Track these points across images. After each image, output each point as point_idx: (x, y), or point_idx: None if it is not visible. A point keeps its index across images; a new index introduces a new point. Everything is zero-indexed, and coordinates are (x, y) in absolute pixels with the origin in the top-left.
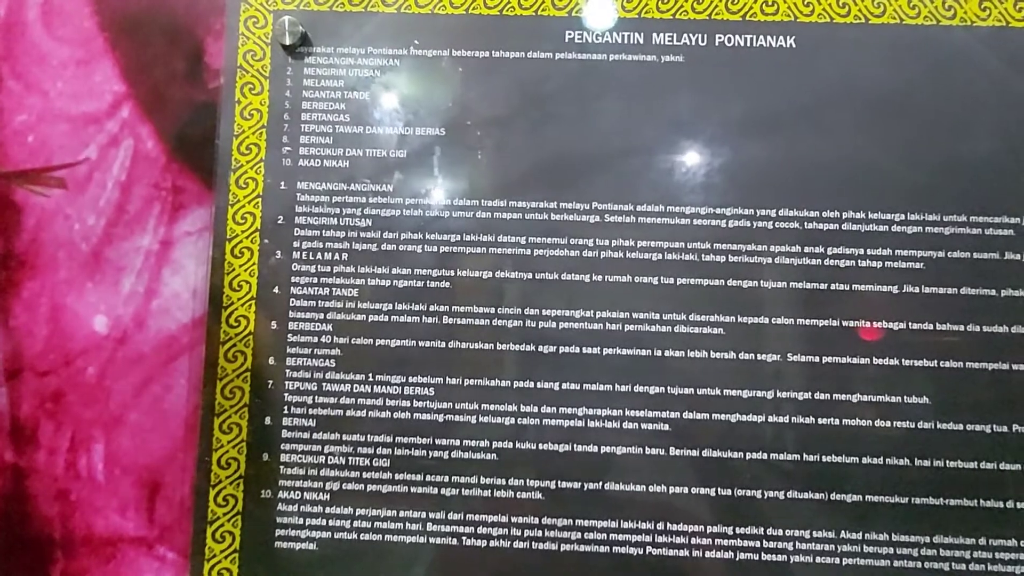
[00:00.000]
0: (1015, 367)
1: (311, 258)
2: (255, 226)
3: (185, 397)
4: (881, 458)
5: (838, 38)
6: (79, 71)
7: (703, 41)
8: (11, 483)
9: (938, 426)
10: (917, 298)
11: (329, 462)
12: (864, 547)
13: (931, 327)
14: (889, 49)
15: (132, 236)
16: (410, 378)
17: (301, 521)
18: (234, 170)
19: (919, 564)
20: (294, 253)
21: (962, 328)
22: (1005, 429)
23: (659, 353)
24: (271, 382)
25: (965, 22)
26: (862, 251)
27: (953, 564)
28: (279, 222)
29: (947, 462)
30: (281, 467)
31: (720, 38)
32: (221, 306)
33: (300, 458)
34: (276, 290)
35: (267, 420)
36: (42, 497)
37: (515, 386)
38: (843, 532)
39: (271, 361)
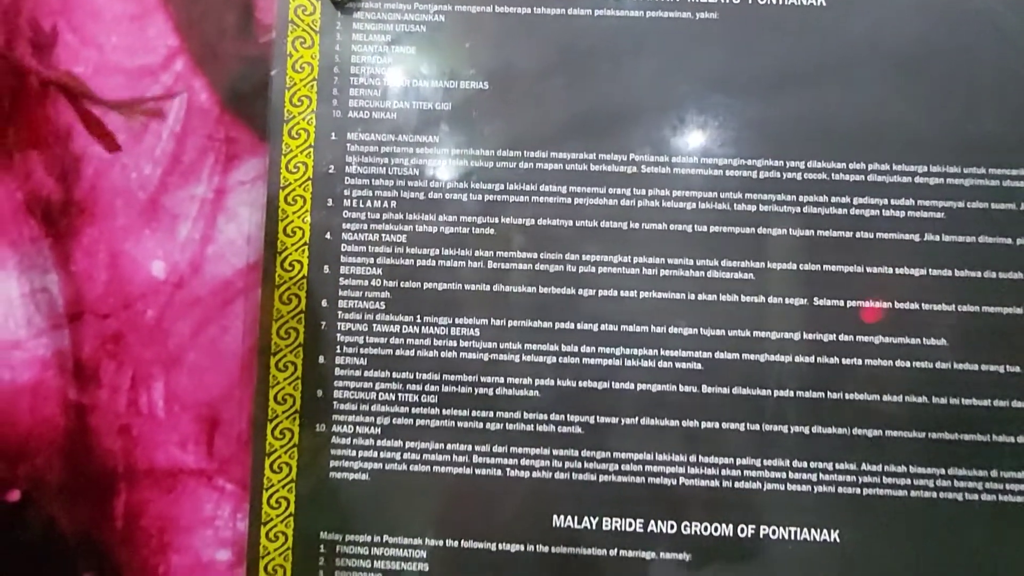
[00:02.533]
0: None
1: (361, 205)
2: (307, 175)
3: (240, 338)
4: (900, 396)
5: None
6: (133, 25)
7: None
8: (75, 419)
9: (955, 366)
10: (937, 246)
11: (380, 398)
12: (883, 479)
13: (950, 273)
14: (914, 8)
15: (187, 185)
16: (456, 319)
17: (354, 453)
18: (286, 121)
19: (934, 495)
20: (344, 201)
21: (979, 275)
22: (1017, 369)
23: (692, 296)
24: (324, 323)
25: None
26: (886, 201)
27: (966, 495)
28: (330, 171)
29: (962, 400)
30: (334, 403)
31: None
32: (276, 251)
33: (352, 394)
34: (328, 236)
35: (321, 359)
36: (105, 432)
37: (556, 327)
38: (863, 464)
39: (324, 303)
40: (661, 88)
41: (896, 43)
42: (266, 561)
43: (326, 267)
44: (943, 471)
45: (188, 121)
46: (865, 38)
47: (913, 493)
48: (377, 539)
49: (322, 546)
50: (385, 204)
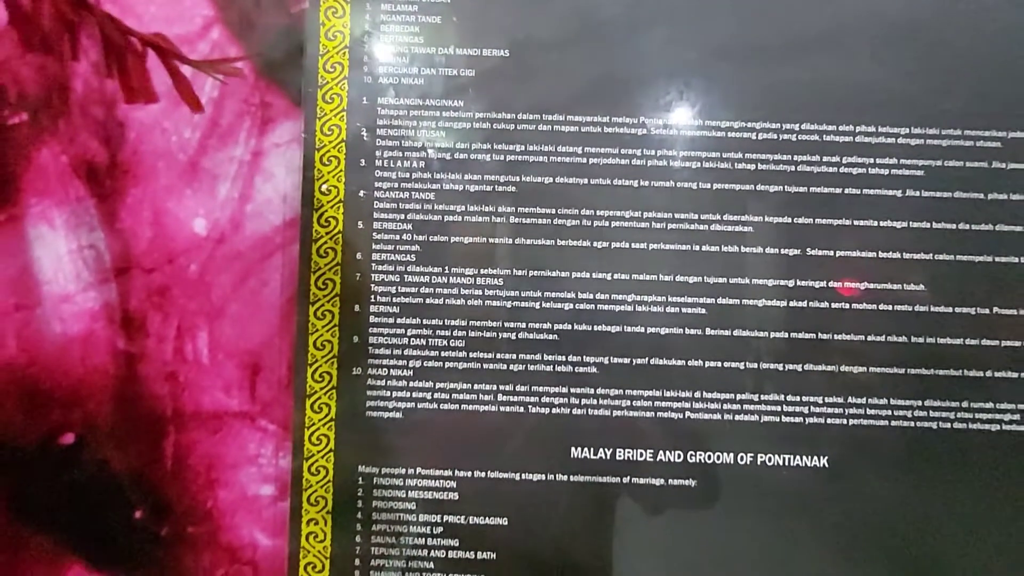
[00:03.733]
0: (997, 259)
1: (392, 166)
2: (341, 137)
3: (279, 290)
4: (883, 336)
5: None
6: None
7: None
8: (124, 367)
9: (931, 309)
10: (917, 200)
11: (411, 343)
12: (867, 410)
13: (928, 225)
14: None
15: (225, 147)
16: (481, 270)
17: (388, 394)
18: (320, 86)
19: (912, 424)
20: (376, 161)
21: (954, 226)
22: (987, 311)
23: (697, 248)
24: (359, 274)
25: None
26: (872, 160)
27: (940, 424)
28: (362, 133)
29: (937, 339)
30: (369, 348)
31: None
32: (313, 208)
33: (386, 340)
34: (361, 194)
35: (356, 308)
36: (153, 379)
37: (573, 276)
38: (850, 398)
39: (358, 256)
40: (669, 56)
41: (883, 17)
42: (309, 493)
43: (360, 223)
44: (920, 403)
45: (224, 87)
46: (854, 11)
47: (893, 423)
48: (411, 471)
49: (360, 478)
50: (414, 164)
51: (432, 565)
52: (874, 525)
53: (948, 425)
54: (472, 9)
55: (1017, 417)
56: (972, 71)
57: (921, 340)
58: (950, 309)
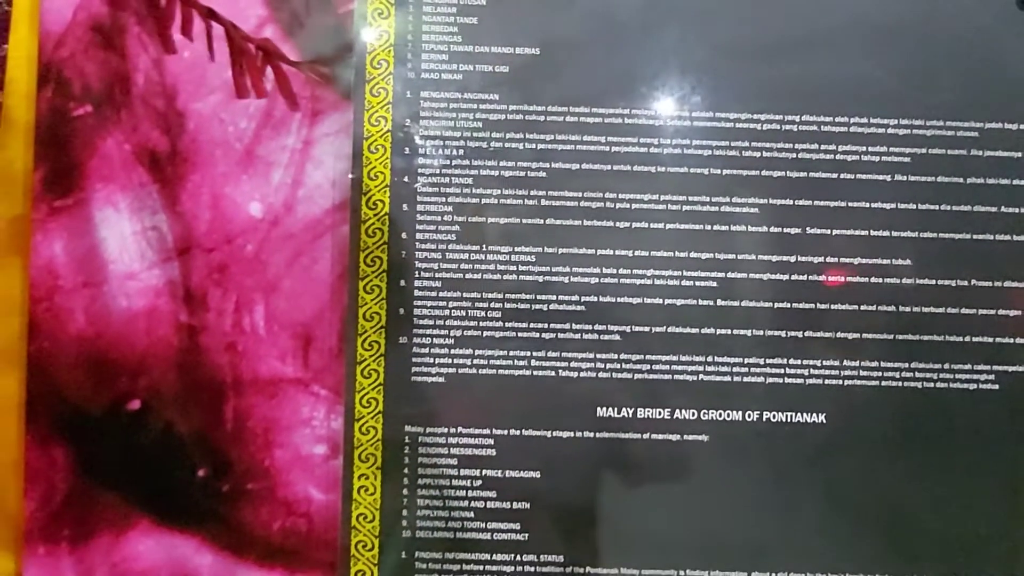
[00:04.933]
0: (974, 237)
1: (434, 153)
2: (387, 127)
3: (329, 267)
4: (874, 305)
5: None
6: None
7: None
8: (187, 339)
9: (917, 281)
10: (904, 184)
11: (452, 315)
12: (860, 372)
13: (914, 207)
14: None
15: (279, 137)
16: (515, 248)
17: (431, 360)
18: (368, 81)
19: (900, 384)
20: (419, 149)
21: (937, 207)
22: (966, 284)
23: (708, 227)
24: (404, 252)
25: None
26: (864, 148)
27: (924, 383)
28: (406, 124)
29: (922, 308)
30: (414, 319)
31: None
32: (361, 192)
33: (429, 311)
34: (406, 179)
35: (402, 282)
36: (214, 349)
37: (598, 253)
38: (845, 361)
39: (403, 236)
40: (681, 55)
41: (871, 18)
42: (360, 451)
43: (405, 205)
44: (907, 365)
45: (278, 81)
46: (845, 13)
47: (883, 383)
48: (452, 431)
49: (407, 437)
50: (454, 152)
51: (472, 515)
52: (866, 475)
53: (932, 385)
54: (506, 11)
55: (992, 377)
56: (952, 68)
57: (908, 309)
58: (933, 282)
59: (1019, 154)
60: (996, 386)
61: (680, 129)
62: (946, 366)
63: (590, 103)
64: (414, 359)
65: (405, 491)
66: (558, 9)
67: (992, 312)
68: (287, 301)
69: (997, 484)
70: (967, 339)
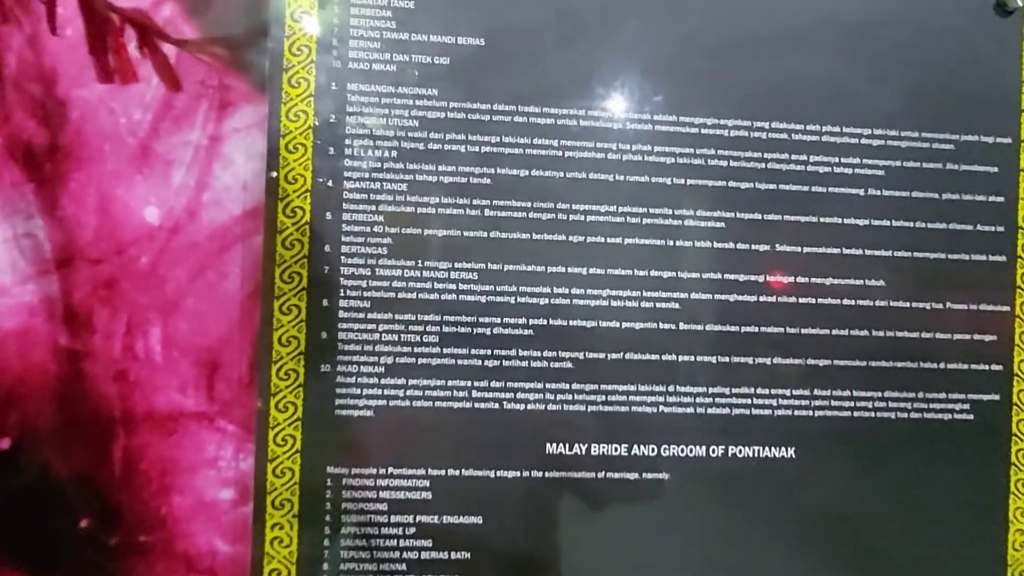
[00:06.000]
0: (950, 256)
1: (363, 155)
2: (308, 123)
3: (239, 283)
4: (846, 330)
5: None
6: None
7: None
8: (68, 366)
9: (890, 304)
10: (878, 199)
11: (383, 339)
12: (832, 402)
13: (888, 223)
14: None
15: (180, 131)
16: (456, 264)
17: (358, 391)
18: (286, 69)
19: (872, 414)
20: (346, 150)
21: (912, 224)
22: (940, 306)
23: (671, 243)
24: (327, 267)
25: None
26: (837, 159)
27: (898, 413)
28: (331, 120)
29: (896, 332)
30: (339, 344)
31: None
32: (277, 197)
33: (356, 335)
34: (330, 184)
35: (324, 302)
36: (100, 378)
37: (548, 271)
38: (815, 390)
39: (327, 248)
40: (644, 50)
41: (844, 18)
42: (273, 496)
43: (328, 214)
44: (880, 394)
45: (179, 66)
46: (818, 11)
47: (855, 413)
48: (382, 471)
49: (329, 480)
50: (386, 154)
51: (405, 567)
52: (836, 511)
53: (905, 415)
54: None
55: (967, 407)
56: (928, 74)
57: (881, 334)
58: (908, 304)
59: (995, 169)
60: (971, 416)
61: (641, 134)
62: (920, 395)
63: (541, 102)
64: (338, 390)
65: (326, 541)
66: None
67: (967, 337)
68: (189, 322)
69: (971, 519)
70: (941, 366)
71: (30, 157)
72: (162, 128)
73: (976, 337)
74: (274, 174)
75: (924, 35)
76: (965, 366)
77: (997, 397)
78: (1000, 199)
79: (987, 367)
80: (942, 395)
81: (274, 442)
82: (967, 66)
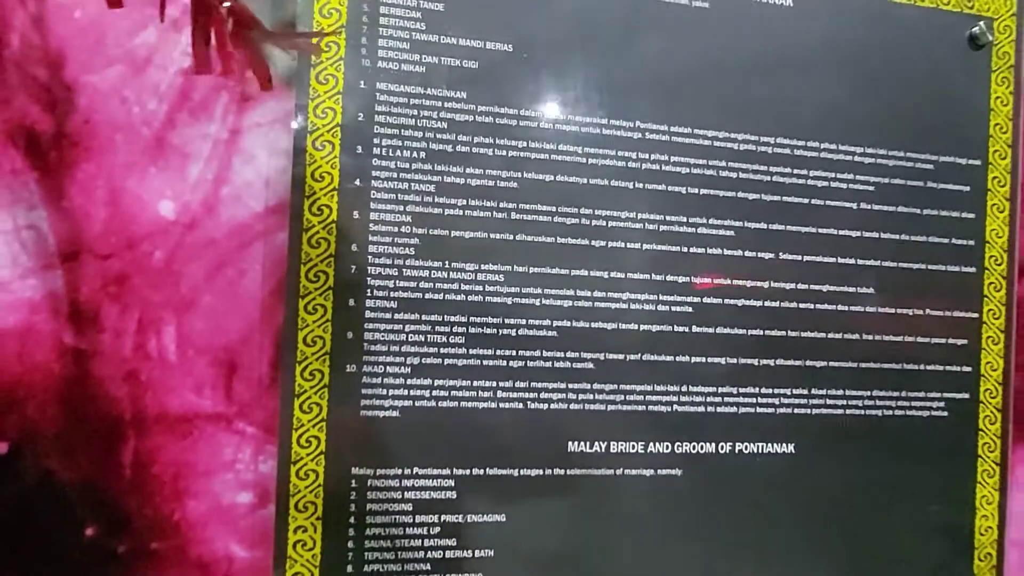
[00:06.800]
0: (930, 267)
1: (391, 154)
2: (336, 121)
3: (260, 281)
4: (840, 334)
5: (825, 2)
6: None
7: None
8: (73, 366)
9: (879, 310)
10: (869, 213)
11: (409, 339)
12: (827, 400)
13: (877, 235)
14: (859, 21)
15: (198, 123)
16: (482, 266)
17: (384, 392)
18: (314, 65)
19: (863, 412)
20: (374, 149)
21: (898, 237)
22: (921, 312)
23: (685, 249)
24: (354, 267)
25: (913, 1)
26: (833, 175)
27: (884, 411)
28: (359, 119)
29: (883, 336)
30: (365, 344)
31: None
32: (303, 195)
33: (383, 336)
34: (358, 182)
35: (351, 302)
36: (109, 379)
37: (572, 274)
38: (813, 389)
39: (354, 248)
40: (661, 65)
41: (839, 42)
42: (296, 499)
43: (356, 212)
44: (869, 393)
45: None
46: (822, 38)
47: (848, 411)
48: (407, 471)
49: (354, 481)
50: (414, 154)
51: (429, 567)
52: (830, 502)
53: (891, 412)
54: (475, 1)
55: (942, 404)
56: (910, 100)
57: (871, 337)
58: (894, 310)
59: (967, 188)
60: (945, 413)
61: (659, 144)
62: (903, 394)
63: (566, 110)
64: (364, 390)
65: (351, 544)
66: (535, 4)
67: (943, 341)
68: (205, 321)
69: (944, 507)
70: (921, 367)
71: (33, 144)
72: (178, 119)
73: (950, 341)
74: (292, 173)
75: (908, 63)
76: (941, 368)
77: (967, 396)
78: (971, 215)
79: (959, 368)
80: (921, 394)
81: (298, 444)
82: (944, 93)
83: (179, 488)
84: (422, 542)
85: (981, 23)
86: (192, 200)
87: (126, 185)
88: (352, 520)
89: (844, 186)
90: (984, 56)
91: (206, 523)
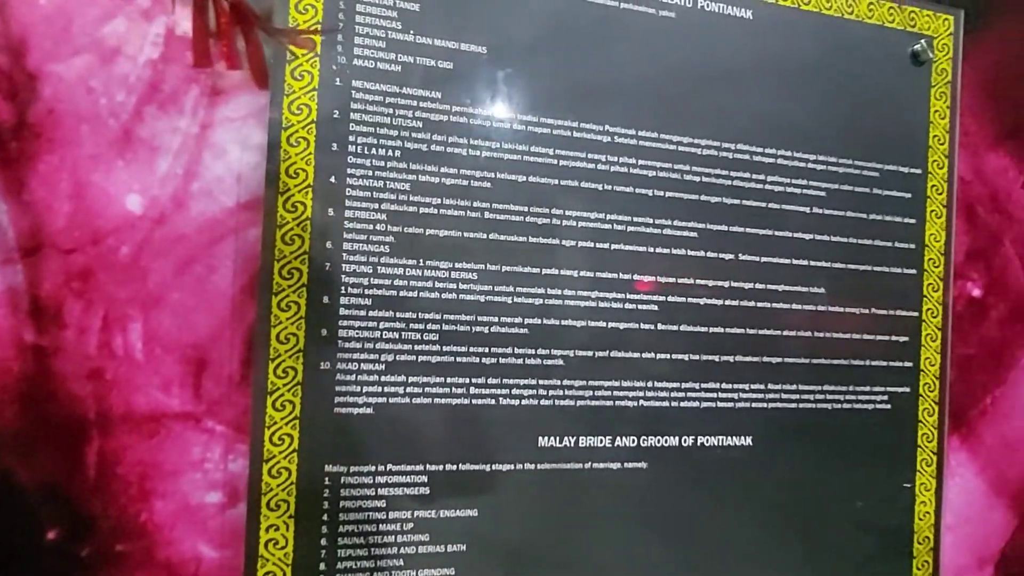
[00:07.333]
0: (875, 268)
1: (366, 152)
2: (311, 118)
3: (231, 278)
4: (794, 331)
5: (781, 17)
6: None
7: (689, 3)
8: (33, 364)
9: (829, 308)
10: (821, 217)
11: (384, 337)
12: (783, 394)
13: (827, 238)
14: (814, 30)
15: (168, 116)
16: (456, 264)
17: (358, 389)
18: (288, 61)
19: (814, 405)
20: (349, 147)
21: (846, 240)
22: (867, 311)
23: (651, 250)
24: (328, 264)
25: (861, 19)
26: (789, 180)
27: (833, 404)
28: (335, 116)
29: (833, 334)
30: (339, 341)
31: (701, 2)
32: (278, 191)
33: (357, 333)
34: (332, 179)
35: (325, 299)
36: (72, 377)
37: (543, 273)
38: (769, 384)
39: (328, 245)
40: (630, 72)
41: (796, 61)
42: (268, 497)
43: (331, 210)
44: (820, 387)
45: (168, 49)
46: (777, 51)
47: (801, 404)
48: (381, 468)
49: (327, 478)
50: (390, 153)
51: (402, 562)
52: (786, 489)
53: (839, 406)
54: (450, 2)
55: (885, 397)
56: (858, 111)
57: (822, 335)
58: (842, 309)
59: (909, 195)
60: (888, 406)
61: (627, 147)
62: (851, 388)
63: (538, 112)
64: (338, 388)
65: (324, 541)
66: (509, 9)
67: (887, 338)
68: (174, 318)
69: (887, 493)
70: (867, 363)
71: None
72: (147, 112)
73: (893, 338)
74: (265, 169)
75: (856, 77)
76: (884, 363)
77: (908, 389)
78: (912, 221)
79: (901, 364)
80: (867, 388)
81: (270, 441)
82: (889, 106)
83: (146, 488)
84: (395, 538)
85: (922, 41)
86: (161, 195)
87: (92, 178)
88: (325, 517)
89: (798, 191)
90: (925, 72)
91: (174, 524)
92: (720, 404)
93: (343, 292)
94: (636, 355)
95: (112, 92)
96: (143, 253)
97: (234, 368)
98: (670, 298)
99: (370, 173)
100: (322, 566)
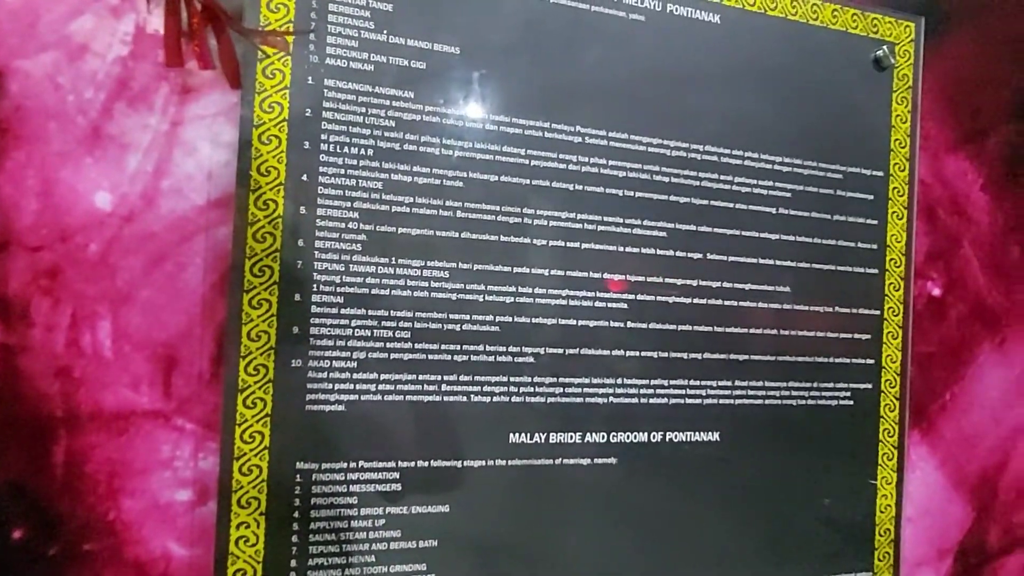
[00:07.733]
0: (839, 268)
1: (339, 151)
2: (283, 116)
3: (201, 276)
4: (761, 329)
5: (748, 22)
6: None
7: (659, 7)
8: (0, 362)
9: (794, 307)
10: (787, 217)
11: (356, 334)
12: (749, 391)
13: (792, 238)
14: (779, 35)
15: (137, 113)
16: (428, 262)
17: (330, 386)
18: (260, 59)
19: (780, 401)
20: (322, 145)
21: (811, 240)
22: (831, 310)
23: (621, 249)
24: (300, 262)
25: (825, 25)
26: (756, 181)
27: (798, 400)
28: (307, 114)
29: (798, 332)
30: (311, 339)
31: (670, 6)
32: (249, 189)
33: (329, 331)
34: (304, 178)
35: (297, 297)
36: (39, 375)
37: (514, 271)
38: (736, 381)
39: (300, 243)
40: (601, 74)
41: (762, 66)
42: (239, 495)
43: (303, 208)
44: (785, 384)
45: (137, 45)
46: (744, 54)
47: (767, 401)
48: (353, 465)
49: (298, 476)
50: (362, 151)
51: (374, 559)
52: (752, 483)
53: (804, 402)
54: (423, 2)
55: (848, 394)
56: (822, 115)
57: (787, 333)
58: (807, 308)
59: (871, 197)
60: (851, 402)
61: (598, 148)
62: (815, 384)
63: (510, 113)
64: (309, 385)
65: (295, 539)
66: (482, 10)
67: (850, 336)
68: (143, 315)
69: (851, 486)
70: (831, 360)
71: None
72: (116, 109)
73: (855, 336)
74: (236, 167)
75: (820, 82)
76: (847, 360)
77: (870, 386)
78: (874, 222)
79: (863, 361)
80: (831, 384)
81: (241, 439)
82: (852, 109)
83: (114, 487)
84: (367, 534)
85: (885, 47)
86: (130, 192)
87: (60, 175)
88: (296, 515)
89: (765, 192)
90: (887, 78)
91: (143, 522)
92: (688, 400)
93: (315, 290)
94: (606, 352)
95: (80, 89)
96: (112, 251)
97: (204, 366)
98: (639, 296)
99: (342, 172)
100: (293, 563)
